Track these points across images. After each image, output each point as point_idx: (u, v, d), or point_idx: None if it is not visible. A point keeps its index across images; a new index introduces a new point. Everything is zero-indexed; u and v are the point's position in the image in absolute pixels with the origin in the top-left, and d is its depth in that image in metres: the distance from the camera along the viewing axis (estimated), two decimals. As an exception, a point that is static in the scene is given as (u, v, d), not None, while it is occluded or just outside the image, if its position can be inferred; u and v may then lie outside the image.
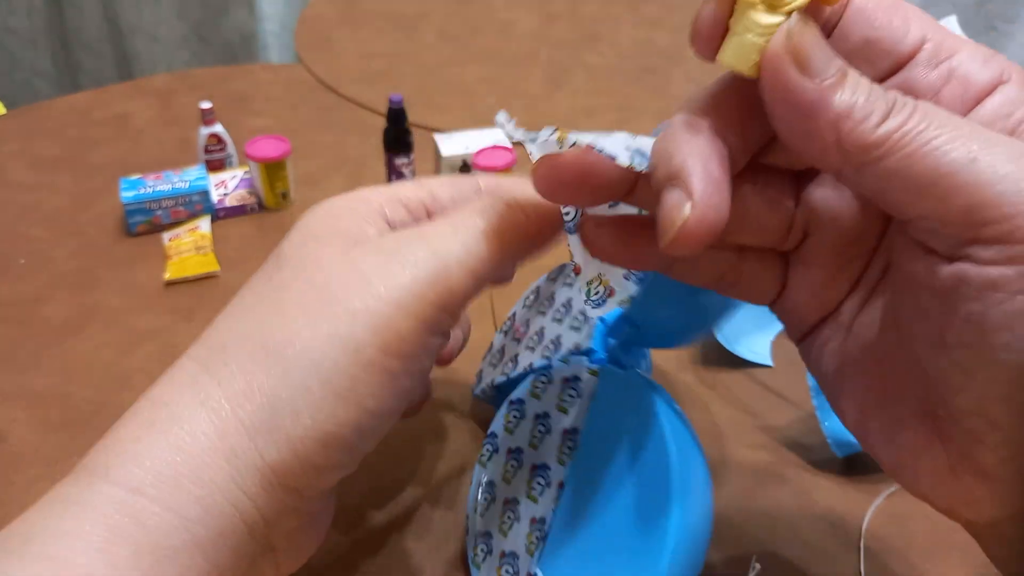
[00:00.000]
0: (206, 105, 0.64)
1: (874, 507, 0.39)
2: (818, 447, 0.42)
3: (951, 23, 0.59)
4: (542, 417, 0.33)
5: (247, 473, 0.23)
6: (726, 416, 0.44)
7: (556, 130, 0.22)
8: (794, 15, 0.20)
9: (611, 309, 0.27)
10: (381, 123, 0.65)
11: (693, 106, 0.21)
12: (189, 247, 0.57)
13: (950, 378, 0.20)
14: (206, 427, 0.23)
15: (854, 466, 0.41)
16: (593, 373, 0.32)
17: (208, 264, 0.56)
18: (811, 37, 0.19)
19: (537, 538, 0.31)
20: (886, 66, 0.21)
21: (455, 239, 0.25)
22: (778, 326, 0.50)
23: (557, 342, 0.36)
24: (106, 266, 0.56)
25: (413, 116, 0.67)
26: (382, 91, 0.79)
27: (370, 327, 0.24)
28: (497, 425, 0.35)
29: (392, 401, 0.25)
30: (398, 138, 0.63)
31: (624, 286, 0.27)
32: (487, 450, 0.35)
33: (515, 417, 0.34)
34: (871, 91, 0.19)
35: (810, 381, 0.41)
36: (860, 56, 0.21)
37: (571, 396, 0.32)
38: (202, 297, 0.53)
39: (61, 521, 0.21)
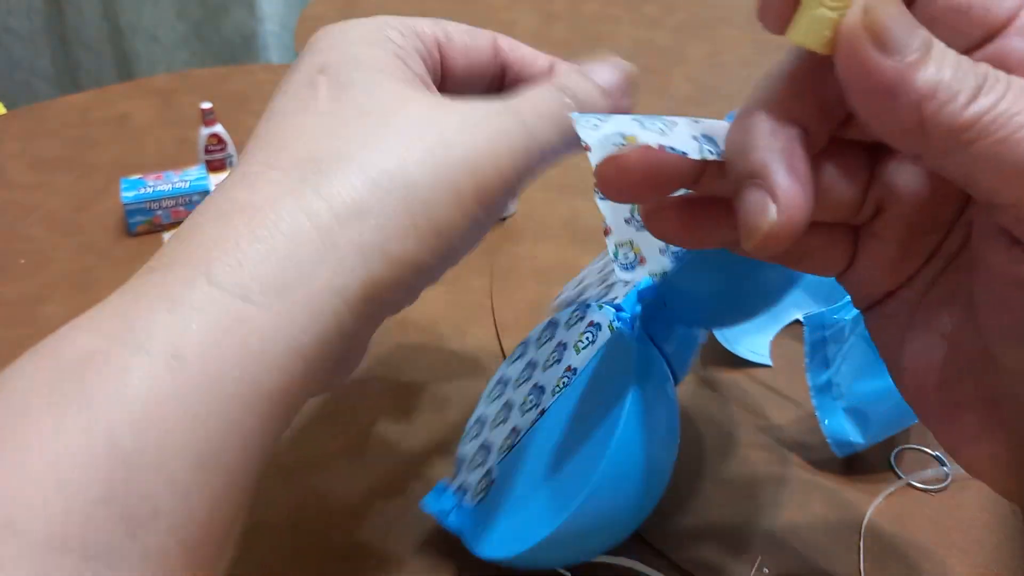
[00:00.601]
0: (207, 105, 0.64)
1: (874, 507, 0.39)
2: (818, 447, 0.42)
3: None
4: (561, 346, 0.35)
5: (351, 286, 0.23)
6: (726, 416, 0.44)
7: (624, 136, 0.21)
8: None
9: (640, 278, 0.27)
10: (381, 123, 0.65)
11: (767, 89, 0.20)
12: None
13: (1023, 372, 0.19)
14: (313, 239, 0.22)
15: (854, 466, 0.41)
16: (611, 328, 0.33)
17: (208, 264, 0.56)
18: (891, 8, 0.18)
19: (509, 445, 0.34)
20: (977, 36, 0.19)
21: (543, 122, 0.26)
22: (778, 326, 0.50)
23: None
24: (106, 266, 0.56)
25: (413, 116, 0.67)
26: (382, 91, 0.79)
27: (471, 172, 0.24)
28: (533, 334, 0.37)
29: (464, 247, 0.26)
30: (398, 138, 0.63)
31: (657, 260, 0.27)
32: (518, 351, 0.37)
33: (547, 337, 0.36)
34: (959, 66, 0.17)
35: (810, 381, 0.42)
36: (946, 25, 0.19)
37: (588, 339, 0.34)
38: (202, 297, 0.53)
39: (169, 317, 0.21)
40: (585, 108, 0.26)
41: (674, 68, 0.88)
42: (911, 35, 0.17)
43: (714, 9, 0.99)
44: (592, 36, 0.96)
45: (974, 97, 0.17)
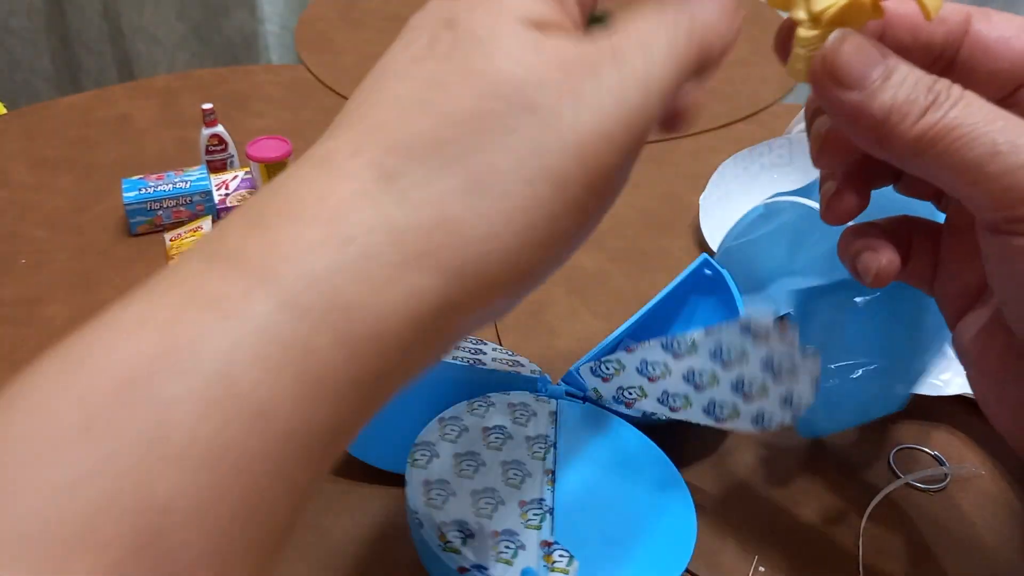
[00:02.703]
0: (207, 106, 0.64)
1: (873, 506, 0.39)
2: (818, 447, 0.42)
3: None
4: (494, 429, 0.38)
5: (429, 320, 0.19)
6: (726, 416, 0.44)
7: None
8: (834, 32, 0.21)
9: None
10: (381, 124, 0.65)
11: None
12: (191, 247, 0.57)
13: None
14: (391, 256, 0.18)
15: (854, 466, 0.41)
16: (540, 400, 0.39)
17: (209, 264, 0.56)
18: (848, 53, 0.21)
19: (535, 515, 0.35)
20: (1012, 88, 0.24)
21: (654, 62, 0.20)
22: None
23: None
24: (107, 266, 0.56)
25: (413, 117, 0.67)
26: (382, 92, 0.79)
27: (579, 160, 0.19)
28: (431, 435, 0.37)
29: (574, 245, 0.21)
30: (398, 139, 0.63)
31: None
32: (422, 456, 0.36)
33: (453, 430, 0.38)
34: (914, 88, 0.21)
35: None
36: (986, 83, 0.23)
37: (523, 415, 0.39)
38: (203, 297, 0.53)
39: (223, 325, 0.17)
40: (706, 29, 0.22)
41: (674, 69, 0.88)
42: (870, 68, 0.21)
43: (714, 10, 0.99)
44: (592, 37, 0.96)
45: (922, 115, 0.21)
